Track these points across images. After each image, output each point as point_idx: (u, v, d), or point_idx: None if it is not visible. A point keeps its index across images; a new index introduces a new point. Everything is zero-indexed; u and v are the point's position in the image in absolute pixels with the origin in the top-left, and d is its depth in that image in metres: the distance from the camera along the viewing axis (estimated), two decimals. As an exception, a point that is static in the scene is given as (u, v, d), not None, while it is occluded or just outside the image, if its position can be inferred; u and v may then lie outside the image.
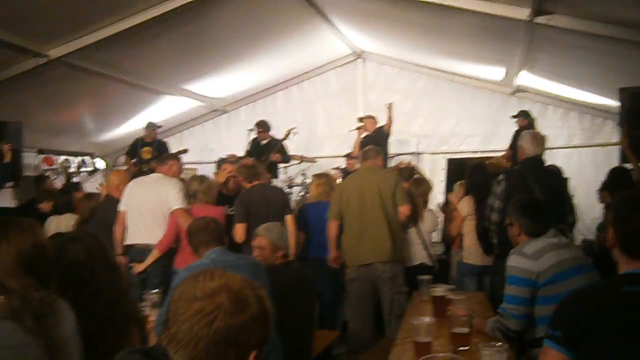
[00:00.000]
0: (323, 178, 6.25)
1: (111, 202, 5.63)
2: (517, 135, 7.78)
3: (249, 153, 8.60)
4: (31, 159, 8.77)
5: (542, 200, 3.65)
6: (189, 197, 5.30)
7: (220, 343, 1.37)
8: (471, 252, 5.55)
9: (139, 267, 5.17)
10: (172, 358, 1.39)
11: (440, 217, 6.64)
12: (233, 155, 7.88)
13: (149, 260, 5.15)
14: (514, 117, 8.31)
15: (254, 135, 8.86)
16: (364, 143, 8.53)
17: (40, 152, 9.03)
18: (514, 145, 7.71)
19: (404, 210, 5.38)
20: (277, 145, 8.64)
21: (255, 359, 1.44)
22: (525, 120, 8.20)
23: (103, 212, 5.65)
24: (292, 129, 8.86)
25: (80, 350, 2.04)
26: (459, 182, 6.44)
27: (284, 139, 8.80)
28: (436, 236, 7.75)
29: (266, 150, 8.56)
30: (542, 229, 3.32)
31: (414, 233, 5.76)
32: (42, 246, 2.08)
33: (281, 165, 9.06)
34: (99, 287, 2.33)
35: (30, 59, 6.41)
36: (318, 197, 6.05)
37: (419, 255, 5.73)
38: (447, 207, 6.61)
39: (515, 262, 3.20)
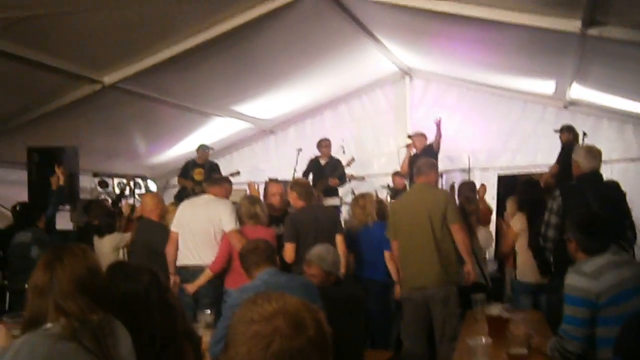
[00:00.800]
0: (362, 200, 6.18)
1: (149, 225, 5.75)
2: (563, 151, 7.62)
3: (306, 172, 8.63)
4: (87, 182, 9.01)
5: (602, 216, 3.51)
6: (249, 218, 5.32)
7: None
8: (525, 269, 5.42)
9: (192, 288, 5.22)
10: None
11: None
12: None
13: (202, 280, 5.20)
14: (558, 131, 8.08)
15: (301, 158, 8.87)
16: (412, 161, 8.48)
17: (95, 175, 9.27)
18: (562, 161, 7.55)
19: (455, 228, 5.20)
20: (336, 167, 8.66)
21: None
22: (570, 134, 7.94)
23: (143, 234, 5.75)
24: (353, 158, 8.83)
25: None
26: (511, 198, 6.32)
27: (347, 165, 8.79)
28: (488, 253, 7.64)
29: (325, 171, 8.58)
30: (600, 247, 3.20)
31: None
32: (95, 269, 2.15)
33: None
34: (154, 330, 2.32)
35: (86, 85, 6.65)
36: (361, 219, 6.00)
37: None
38: (499, 224, 6.49)
39: (573, 281, 3.10)
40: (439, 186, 6.86)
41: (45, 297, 2.01)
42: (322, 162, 8.76)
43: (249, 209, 5.35)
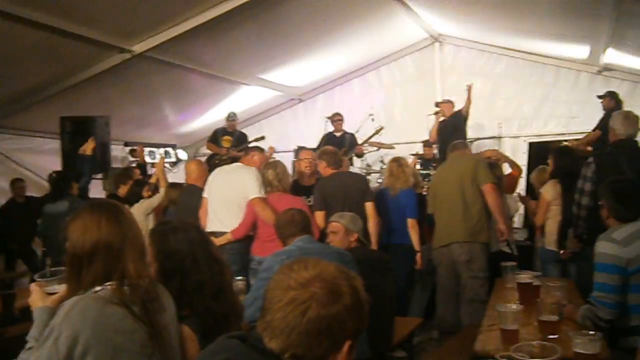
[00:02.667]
0: (396, 163, 6.15)
1: (194, 190, 5.78)
2: (605, 118, 7.45)
3: (321, 146, 8.57)
4: (118, 151, 9.13)
5: (637, 183, 3.46)
6: (265, 186, 5.34)
7: (314, 333, 1.37)
8: (554, 238, 5.37)
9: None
10: (268, 345, 1.41)
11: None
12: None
13: (220, 241, 5.16)
14: (600, 97, 7.89)
15: (329, 126, 8.82)
16: (441, 128, 8.41)
17: (126, 144, 9.38)
18: (602, 128, 7.41)
19: (486, 189, 5.35)
20: (352, 141, 8.59)
21: (350, 349, 1.43)
22: (612, 100, 7.76)
23: (188, 200, 5.79)
24: (382, 127, 8.74)
25: (178, 335, 2.10)
26: (539, 167, 6.27)
27: (375, 134, 8.71)
28: (517, 221, 7.57)
29: (341, 143, 8.52)
30: (632, 215, 3.17)
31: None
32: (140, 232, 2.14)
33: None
34: (201, 279, 2.34)
35: (116, 54, 6.69)
36: (400, 183, 5.98)
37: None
38: (528, 192, 6.42)
39: (604, 248, 3.08)
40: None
41: (118, 257, 1.96)
42: (337, 134, 8.69)
43: (271, 175, 5.33)
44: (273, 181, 5.27)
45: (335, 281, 1.43)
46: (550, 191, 5.42)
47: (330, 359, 1.42)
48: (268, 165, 5.40)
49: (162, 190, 6.32)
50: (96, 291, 1.90)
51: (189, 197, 5.81)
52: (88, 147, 6.85)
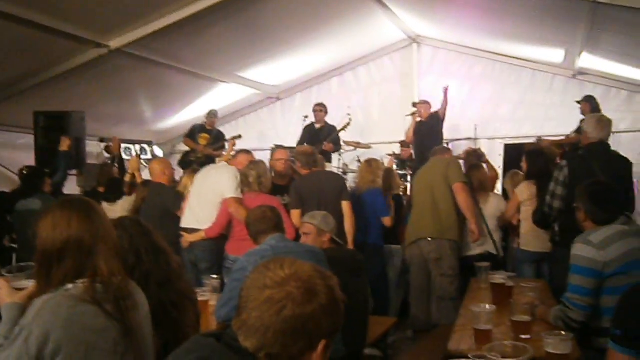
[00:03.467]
0: (366, 164, 6.21)
1: (160, 188, 5.79)
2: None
3: (302, 139, 8.57)
4: (93, 147, 9.02)
5: (613, 186, 3.49)
6: (243, 186, 5.33)
7: (289, 332, 1.38)
8: (529, 239, 5.43)
9: (184, 242, 5.30)
10: (243, 344, 1.41)
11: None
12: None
13: (193, 238, 5.26)
14: (578, 102, 7.99)
15: (309, 120, 8.79)
16: (417, 129, 8.45)
17: (102, 140, 9.28)
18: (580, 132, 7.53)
19: (456, 188, 5.40)
20: (331, 132, 8.58)
21: (325, 348, 1.44)
22: (590, 105, 7.85)
23: (154, 198, 5.76)
24: (348, 123, 8.74)
25: (152, 331, 2.08)
26: (511, 172, 6.36)
27: (342, 130, 8.72)
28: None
29: (320, 135, 8.51)
30: (609, 218, 3.19)
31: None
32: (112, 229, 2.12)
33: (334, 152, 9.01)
34: (146, 270, 2.34)
35: (92, 49, 6.61)
36: (366, 184, 6.02)
37: (484, 244, 5.60)
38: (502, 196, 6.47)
39: (580, 250, 3.09)
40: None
41: (89, 255, 1.94)
42: (317, 126, 8.65)
43: (249, 174, 5.34)
44: (252, 182, 5.26)
45: (311, 280, 1.43)
46: (524, 192, 5.47)
47: (305, 358, 1.42)
48: (250, 165, 5.39)
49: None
50: (67, 289, 1.88)
51: (154, 194, 5.79)
52: (63, 144, 6.77)
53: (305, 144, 8.09)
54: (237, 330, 1.43)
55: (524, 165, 5.66)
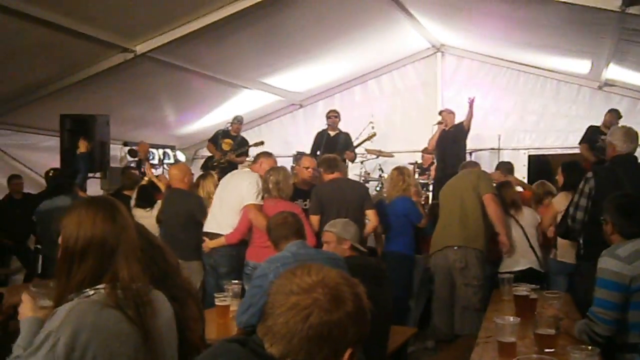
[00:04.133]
0: (397, 171, 6.18)
1: (181, 194, 5.80)
2: (589, 132, 7.56)
3: (315, 146, 8.52)
4: (117, 151, 9.11)
5: None
6: (264, 192, 5.32)
7: (315, 339, 1.36)
8: (565, 249, 5.34)
9: (205, 247, 5.33)
10: (268, 350, 1.40)
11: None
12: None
13: (214, 244, 5.28)
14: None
15: (323, 126, 8.74)
16: (441, 138, 8.38)
17: (125, 144, 9.37)
18: (586, 141, 7.62)
19: (486, 199, 5.39)
20: (347, 139, 8.55)
21: (351, 356, 1.42)
22: (614, 116, 7.72)
23: (175, 203, 5.76)
24: (374, 134, 8.71)
25: (175, 340, 2.05)
26: (539, 182, 6.31)
27: (367, 140, 8.68)
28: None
29: (336, 142, 8.47)
30: (636, 231, 3.13)
31: (515, 231, 5.52)
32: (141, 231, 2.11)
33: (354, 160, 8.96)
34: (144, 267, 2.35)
35: (119, 54, 6.69)
36: (398, 192, 6.00)
37: (526, 258, 5.46)
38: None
39: (607, 264, 3.04)
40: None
41: (111, 256, 1.91)
42: (332, 133, 8.62)
43: (265, 180, 5.34)
44: (271, 188, 5.25)
45: (338, 287, 1.42)
46: (562, 202, 5.36)
47: None
48: (270, 171, 5.37)
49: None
50: (89, 295, 1.85)
51: (177, 201, 5.81)
52: (82, 146, 6.86)
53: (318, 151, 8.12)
54: (263, 336, 1.41)
55: (560, 177, 5.62)
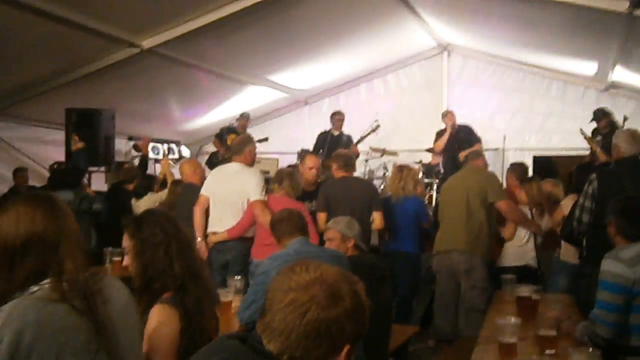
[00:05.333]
0: (400, 171, 6.16)
1: (192, 188, 5.78)
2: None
3: (318, 146, 8.52)
4: (122, 145, 9.14)
5: None
6: (276, 182, 5.32)
7: (312, 335, 1.37)
8: (568, 249, 5.33)
9: (210, 241, 5.29)
10: (266, 346, 1.41)
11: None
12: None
13: (217, 238, 5.25)
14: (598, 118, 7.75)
15: (328, 124, 8.75)
16: (449, 140, 8.35)
17: (130, 138, 9.39)
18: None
19: (502, 206, 5.37)
20: (349, 140, 8.56)
21: (348, 353, 1.42)
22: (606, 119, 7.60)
23: (187, 198, 5.76)
24: (378, 125, 8.71)
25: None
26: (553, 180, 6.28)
27: (372, 132, 8.69)
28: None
29: (340, 142, 8.48)
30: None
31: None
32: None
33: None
34: (171, 258, 2.40)
35: (125, 48, 6.70)
36: (397, 191, 5.99)
37: (526, 255, 5.53)
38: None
39: (610, 267, 3.04)
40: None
41: (53, 251, 1.86)
42: (335, 133, 8.62)
43: (276, 177, 5.35)
44: (286, 185, 5.25)
45: (336, 284, 1.42)
46: (571, 204, 5.36)
47: None
48: (287, 174, 5.39)
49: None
50: (33, 292, 1.81)
51: (187, 195, 5.82)
52: (75, 142, 6.90)
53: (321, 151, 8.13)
54: (261, 332, 1.42)
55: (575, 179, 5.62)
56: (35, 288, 1.81)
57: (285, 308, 1.39)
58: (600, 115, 7.59)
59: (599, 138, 7.38)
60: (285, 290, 1.41)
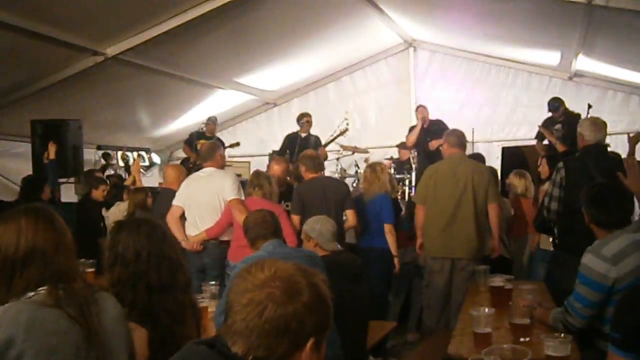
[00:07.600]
0: (370, 169, 6.15)
1: (171, 194, 5.72)
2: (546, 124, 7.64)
3: (284, 147, 8.49)
4: (91, 155, 9.03)
5: (614, 186, 3.36)
6: (254, 186, 5.30)
7: (273, 332, 1.38)
8: (545, 237, 5.40)
9: (188, 244, 5.19)
10: (232, 348, 1.41)
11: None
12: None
13: (195, 239, 5.20)
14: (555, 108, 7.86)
15: (297, 127, 8.72)
16: (421, 134, 8.40)
17: (99, 148, 9.28)
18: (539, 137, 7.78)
19: (493, 207, 5.30)
20: (317, 141, 8.55)
21: (314, 347, 1.43)
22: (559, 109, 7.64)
23: (164, 204, 5.71)
24: (347, 129, 8.69)
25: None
26: (517, 170, 6.37)
27: (340, 135, 8.67)
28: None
29: (308, 144, 8.46)
30: (611, 220, 3.09)
31: None
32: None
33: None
34: (140, 271, 2.40)
35: (89, 57, 6.63)
36: (366, 188, 6.00)
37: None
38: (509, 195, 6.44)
39: (591, 263, 2.94)
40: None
41: (52, 262, 1.92)
42: (304, 135, 8.60)
43: (253, 180, 5.35)
44: (266, 192, 5.24)
45: (291, 279, 1.43)
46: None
47: (294, 359, 1.42)
48: (264, 177, 5.39)
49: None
50: (29, 297, 1.86)
51: (163, 200, 5.76)
52: (51, 152, 6.80)
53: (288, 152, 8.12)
54: (226, 335, 1.43)
55: (543, 168, 5.65)
56: (31, 294, 1.86)
57: (244, 309, 1.40)
58: (557, 105, 7.70)
59: (558, 126, 7.51)
60: (242, 292, 1.42)
